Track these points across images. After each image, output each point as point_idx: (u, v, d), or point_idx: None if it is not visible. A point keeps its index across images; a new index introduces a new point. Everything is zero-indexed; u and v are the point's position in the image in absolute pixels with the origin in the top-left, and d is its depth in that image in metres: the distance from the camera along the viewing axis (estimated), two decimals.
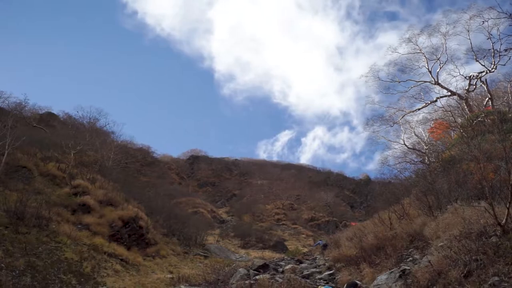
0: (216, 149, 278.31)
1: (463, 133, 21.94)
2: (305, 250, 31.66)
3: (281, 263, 19.35)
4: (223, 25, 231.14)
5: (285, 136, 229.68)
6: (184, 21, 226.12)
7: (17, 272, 7.38)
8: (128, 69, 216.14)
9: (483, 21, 26.51)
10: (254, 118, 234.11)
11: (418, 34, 32.59)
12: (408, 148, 33.56)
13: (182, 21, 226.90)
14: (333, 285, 10.17)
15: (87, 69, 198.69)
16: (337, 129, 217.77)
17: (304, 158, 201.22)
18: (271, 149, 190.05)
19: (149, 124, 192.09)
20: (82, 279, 7.74)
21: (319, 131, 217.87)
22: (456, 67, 30.63)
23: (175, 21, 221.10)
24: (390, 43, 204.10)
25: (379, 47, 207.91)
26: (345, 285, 6.04)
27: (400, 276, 9.30)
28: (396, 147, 34.66)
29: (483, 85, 28.17)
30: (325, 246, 22.81)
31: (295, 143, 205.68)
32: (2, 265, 7.44)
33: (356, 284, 6.07)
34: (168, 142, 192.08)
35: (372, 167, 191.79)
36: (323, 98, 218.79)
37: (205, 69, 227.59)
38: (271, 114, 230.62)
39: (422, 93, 33.13)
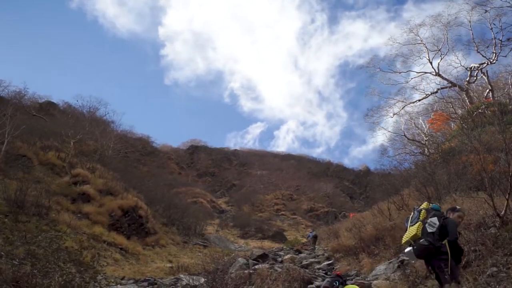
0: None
1: (463, 125, 21.89)
2: (304, 240, 31.76)
3: (280, 253, 19.41)
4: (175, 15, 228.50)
5: (256, 129, 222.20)
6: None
7: (17, 260, 7.40)
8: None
9: (485, 11, 26.33)
10: (211, 110, 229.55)
11: (420, 25, 32.40)
12: (408, 139, 33.53)
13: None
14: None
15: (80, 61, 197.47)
16: (310, 122, 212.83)
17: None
18: (241, 141, 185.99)
19: (148, 114, 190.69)
20: (81, 268, 7.76)
21: (292, 124, 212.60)
22: (457, 58, 30.52)
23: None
24: (358, 33, 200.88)
25: (346, 36, 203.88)
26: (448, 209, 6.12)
27: (398, 267, 9.33)
28: (396, 138, 34.67)
29: (484, 77, 28.00)
30: (315, 238, 22.89)
31: (267, 136, 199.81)
32: (2, 253, 7.46)
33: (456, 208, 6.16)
34: (168, 132, 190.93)
35: (347, 162, 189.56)
36: (284, 104, 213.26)
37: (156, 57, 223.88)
38: (226, 109, 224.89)
39: (422, 84, 33.03)
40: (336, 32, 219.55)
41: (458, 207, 6.10)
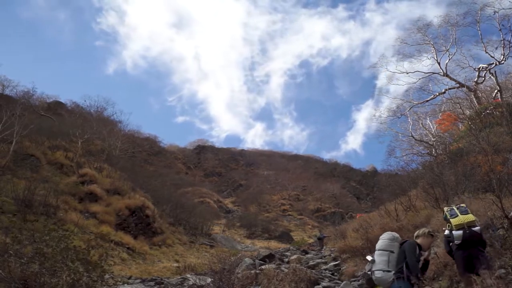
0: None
1: (471, 125, 21.74)
2: (311, 240, 31.74)
3: (286, 253, 19.40)
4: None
5: (222, 133, 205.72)
6: None
7: (25, 259, 7.45)
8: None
9: (494, 12, 26.16)
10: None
11: (428, 25, 32.25)
12: (415, 140, 33.39)
13: None
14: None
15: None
16: (278, 126, 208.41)
17: None
18: None
19: (155, 113, 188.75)
20: (89, 267, 7.80)
21: (259, 128, 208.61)
22: (465, 58, 30.33)
23: None
24: (319, 31, 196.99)
25: (306, 36, 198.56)
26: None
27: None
28: (403, 139, 34.55)
29: (492, 77, 27.81)
30: (319, 240, 22.93)
31: (234, 140, 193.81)
32: (11, 252, 7.50)
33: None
34: (175, 132, 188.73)
35: None
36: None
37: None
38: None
39: (430, 85, 32.88)
40: (294, 31, 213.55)
41: None
